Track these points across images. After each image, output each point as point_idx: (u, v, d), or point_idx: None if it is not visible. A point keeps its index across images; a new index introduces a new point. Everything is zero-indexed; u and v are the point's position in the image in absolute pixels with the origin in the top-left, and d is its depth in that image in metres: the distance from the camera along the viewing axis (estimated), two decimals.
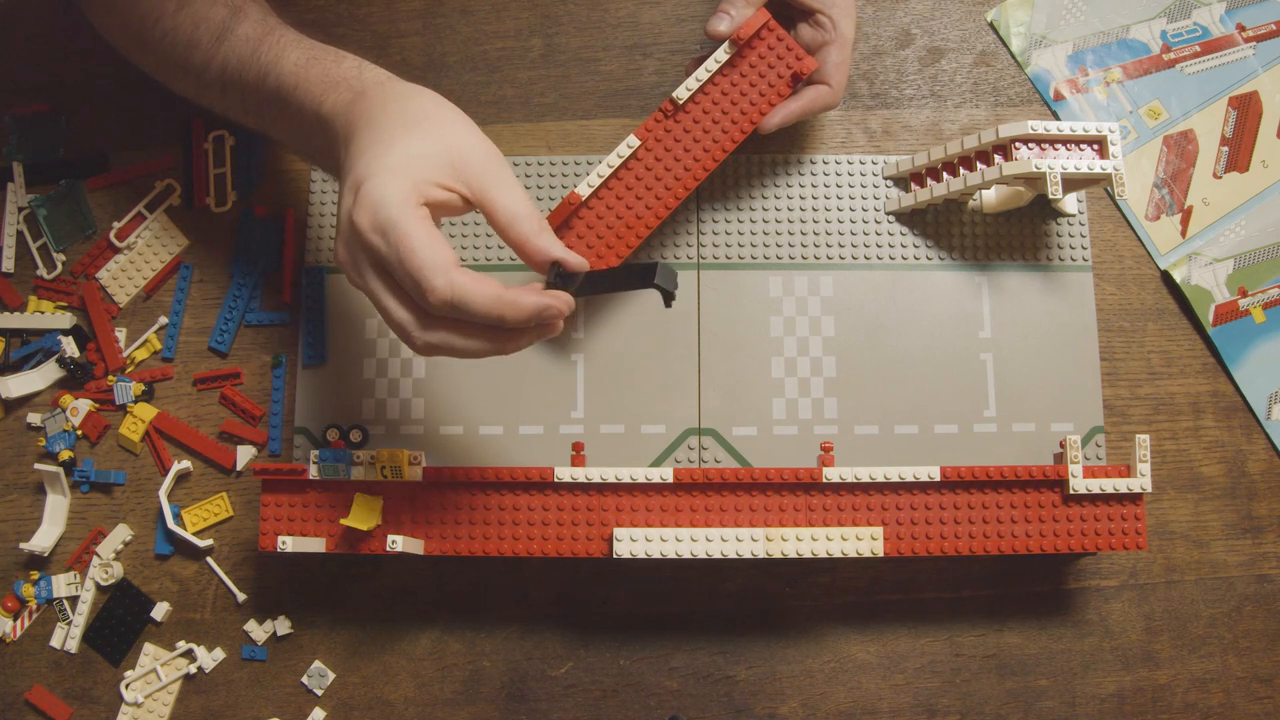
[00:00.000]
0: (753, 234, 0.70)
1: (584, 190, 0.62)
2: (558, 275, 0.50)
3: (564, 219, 0.62)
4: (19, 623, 0.68)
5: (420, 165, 0.48)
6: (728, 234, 0.70)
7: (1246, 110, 0.74)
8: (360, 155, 0.49)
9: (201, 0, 0.59)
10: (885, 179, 0.71)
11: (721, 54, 0.63)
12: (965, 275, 0.69)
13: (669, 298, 0.51)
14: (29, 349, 0.70)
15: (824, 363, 0.68)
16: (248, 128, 0.64)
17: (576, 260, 0.50)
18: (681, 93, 0.63)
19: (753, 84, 0.64)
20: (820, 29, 0.65)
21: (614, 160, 0.62)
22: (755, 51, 0.63)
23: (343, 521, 0.61)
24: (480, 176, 0.50)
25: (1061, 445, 0.64)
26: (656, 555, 0.61)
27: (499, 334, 0.49)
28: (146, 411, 0.69)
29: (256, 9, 0.60)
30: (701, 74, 0.63)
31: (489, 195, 0.49)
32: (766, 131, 0.64)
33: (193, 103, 0.64)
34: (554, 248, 0.50)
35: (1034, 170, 0.63)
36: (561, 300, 0.49)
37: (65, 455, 0.68)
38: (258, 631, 0.67)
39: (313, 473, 0.63)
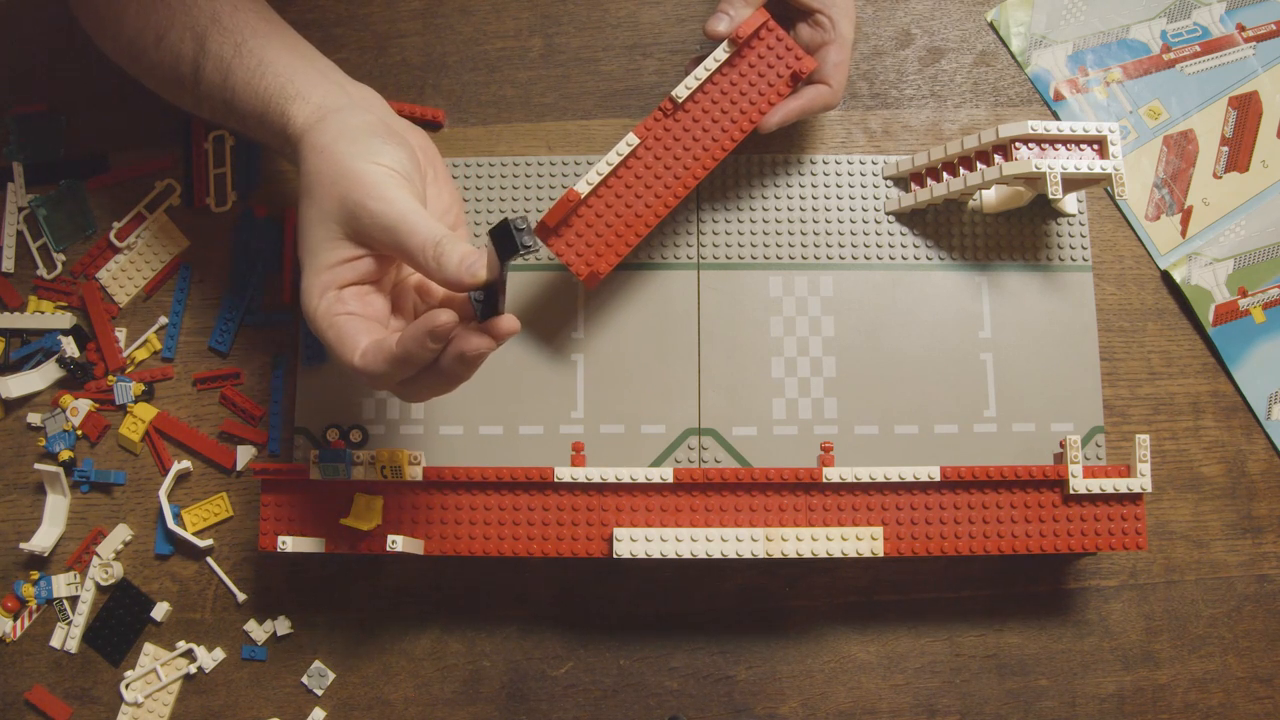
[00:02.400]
0: (753, 234, 0.70)
1: (583, 188, 0.62)
2: (477, 300, 0.48)
3: (563, 217, 0.62)
4: (19, 623, 0.68)
5: (322, 252, 0.51)
6: (728, 234, 0.70)
7: (1246, 110, 0.74)
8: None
9: (174, 34, 0.58)
10: (885, 179, 0.71)
11: (720, 53, 0.63)
12: (965, 275, 0.69)
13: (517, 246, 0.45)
14: (29, 349, 0.70)
15: (824, 363, 0.68)
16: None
17: (484, 267, 0.47)
18: (681, 91, 0.63)
19: (752, 83, 0.64)
20: (820, 29, 0.65)
21: (613, 158, 0.62)
22: (754, 51, 0.63)
23: (343, 521, 0.61)
24: (365, 234, 0.50)
25: (1061, 445, 0.64)
26: (656, 555, 0.61)
27: (437, 371, 0.50)
28: (146, 411, 0.69)
29: (228, 17, 0.58)
30: (700, 73, 0.63)
31: (379, 246, 0.51)
32: (766, 131, 0.64)
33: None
34: (450, 268, 0.48)
35: (1034, 170, 0.63)
36: (436, 321, 0.46)
37: (65, 455, 0.68)
38: (258, 631, 0.67)
39: (313, 473, 0.63)
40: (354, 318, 0.50)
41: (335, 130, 0.53)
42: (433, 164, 0.61)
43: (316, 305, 0.51)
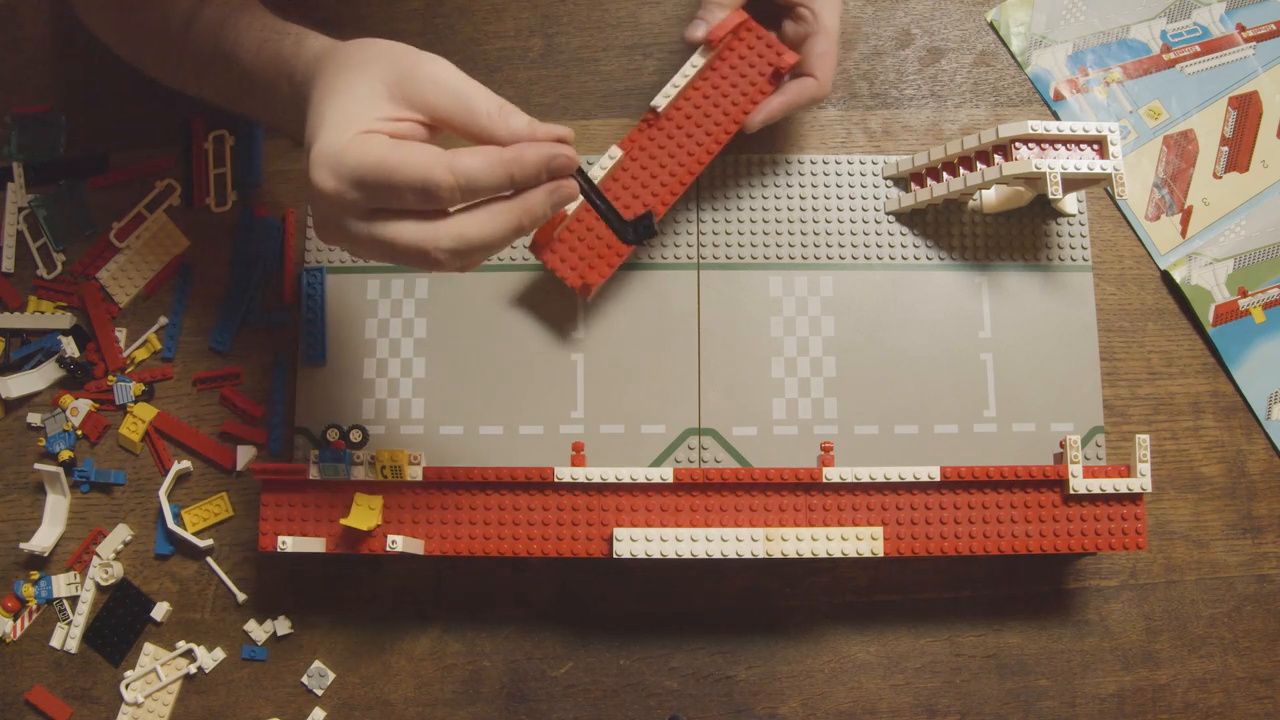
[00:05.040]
0: (753, 234, 0.70)
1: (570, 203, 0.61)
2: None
3: (552, 231, 0.62)
4: (19, 623, 0.68)
5: (362, 113, 0.46)
6: (728, 234, 0.70)
7: (1246, 110, 0.74)
8: (308, 128, 0.48)
9: None
10: (885, 179, 0.71)
11: (697, 58, 0.63)
12: (965, 275, 0.69)
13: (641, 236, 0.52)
14: (29, 349, 0.70)
15: (824, 363, 0.68)
16: (229, 111, 0.65)
17: (546, 131, 0.46)
18: (660, 100, 0.62)
19: (734, 84, 0.64)
20: (801, 22, 0.65)
21: (598, 172, 0.62)
22: (735, 52, 0.63)
23: (343, 521, 0.61)
24: (423, 96, 0.46)
25: (1061, 445, 0.64)
26: (656, 555, 0.61)
27: (514, 207, 0.45)
28: (146, 411, 0.69)
29: None
30: (679, 80, 0.63)
31: (439, 108, 0.46)
32: (752, 130, 0.64)
33: (190, 99, 0.65)
34: (518, 123, 0.46)
35: (1034, 170, 0.63)
36: (563, 148, 0.45)
37: (65, 455, 0.68)
38: (258, 631, 0.67)
39: (313, 473, 0.63)
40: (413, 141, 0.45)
41: (357, 41, 0.50)
42: None
43: (345, 143, 0.44)
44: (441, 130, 0.48)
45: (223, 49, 0.58)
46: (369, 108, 0.46)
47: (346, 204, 0.45)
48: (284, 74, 0.54)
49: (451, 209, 0.45)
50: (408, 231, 0.45)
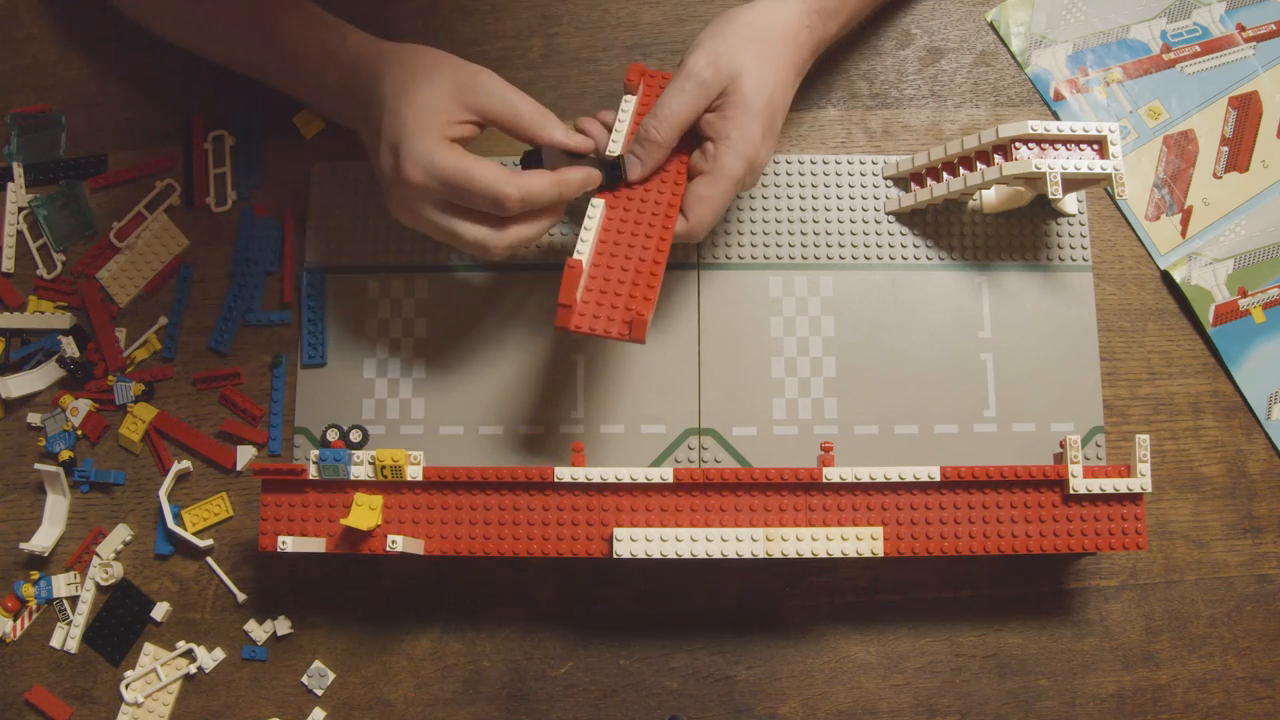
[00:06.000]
0: (753, 234, 0.70)
1: (583, 256, 0.58)
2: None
3: (574, 293, 0.57)
4: (19, 623, 0.68)
5: (436, 114, 0.57)
6: (727, 234, 0.70)
7: (1246, 110, 0.74)
8: (380, 121, 0.58)
9: None
10: (885, 179, 0.71)
11: (627, 104, 0.63)
12: (965, 275, 0.69)
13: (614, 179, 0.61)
14: (29, 349, 0.70)
15: (824, 363, 0.68)
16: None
17: (578, 141, 0.61)
18: (613, 148, 0.61)
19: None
20: (704, 157, 0.61)
21: (590, 224, 0.59)
22: (653, 90, 0.63)
23: (343, 521, 0.61)
24: (479, 102, 0.59)
25: (1061, 445, 0.64)
26: (656, 555, 0.60)
27: (552, 210, 0.59)
28: (146, 411, 0.69)
29: None
30: (619, 127, 0.62)
31: (492, 113, 0.59)
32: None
33: (188, 99, 0.64)
34: (557, 134, 0.60)
35: (1034, 170, 0.63)
36: (593, 172, 0.60)
37: (65, 455, 0.68)
38: (258, 631, 0.67)
39: (313, 473, 0.63)
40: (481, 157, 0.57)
41: (410, 46, 0.61)
42: None
43: (431, 145, 0.55)
44: (489, 126, 0.60)
45: (264, 26, 0.63)
46: (441, 112, 0.57)
47: (428, 194, 0.57)
48: (330, 64, 0.62)
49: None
50: (473, 232, 0.58)
